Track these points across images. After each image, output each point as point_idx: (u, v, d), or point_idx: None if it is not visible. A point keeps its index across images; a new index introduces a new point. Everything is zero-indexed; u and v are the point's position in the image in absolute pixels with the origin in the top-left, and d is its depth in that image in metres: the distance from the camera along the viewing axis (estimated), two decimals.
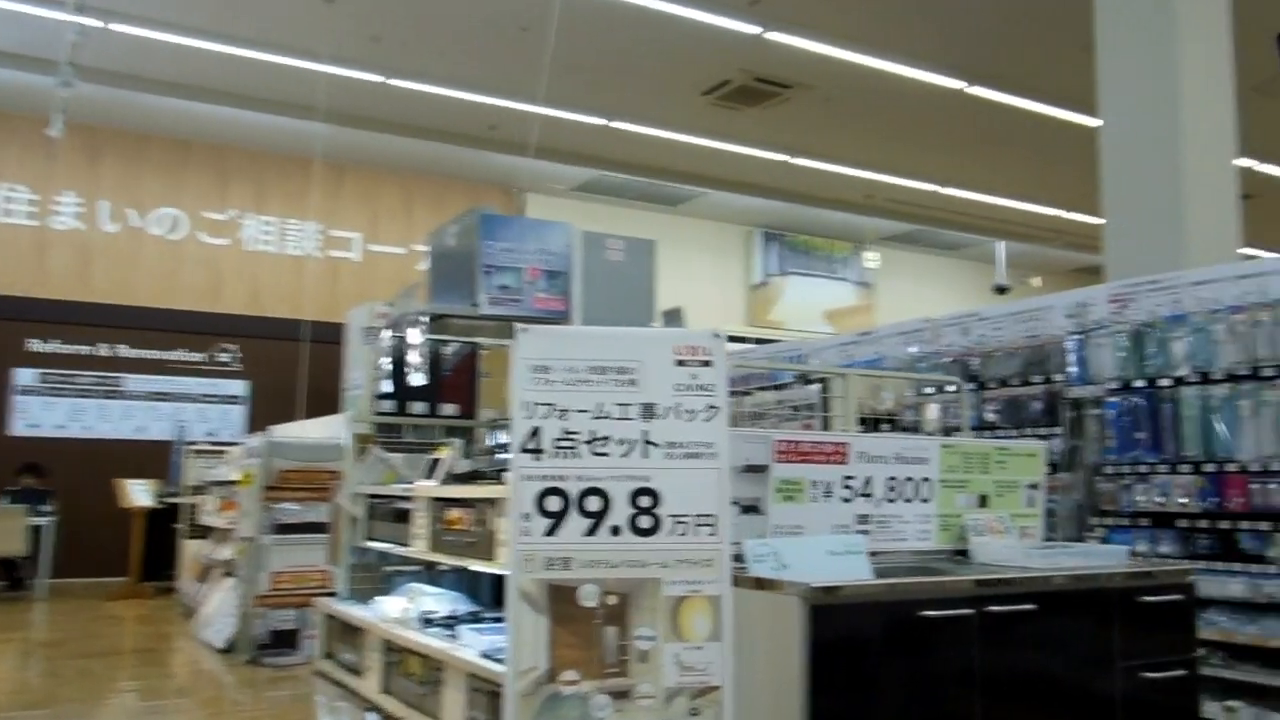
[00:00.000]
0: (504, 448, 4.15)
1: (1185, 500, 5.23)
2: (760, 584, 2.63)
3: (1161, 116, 6.57)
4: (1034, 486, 3.52)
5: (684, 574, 2.53)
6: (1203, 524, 5.19)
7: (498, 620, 3.70)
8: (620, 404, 2.58)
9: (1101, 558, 3.13)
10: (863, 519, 3.17)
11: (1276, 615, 4.87)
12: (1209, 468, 5.17)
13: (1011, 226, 16.47)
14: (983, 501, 3.39)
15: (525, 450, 2.60)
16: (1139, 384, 5.50)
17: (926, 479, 3.29)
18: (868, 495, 3.17)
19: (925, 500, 3.28)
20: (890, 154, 13.54)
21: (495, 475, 3.81)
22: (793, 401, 5.44)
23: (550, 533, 2.56)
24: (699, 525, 2.56)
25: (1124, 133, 6.81)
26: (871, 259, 17.75)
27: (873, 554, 3.00)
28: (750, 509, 2.99)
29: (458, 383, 5.69)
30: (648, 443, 2.60)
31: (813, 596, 2.46)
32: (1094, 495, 5.67)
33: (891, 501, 3.21)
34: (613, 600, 2.53)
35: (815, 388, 5.41)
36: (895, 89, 11.13)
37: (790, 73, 10.98)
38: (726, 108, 11.99)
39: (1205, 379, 5.23)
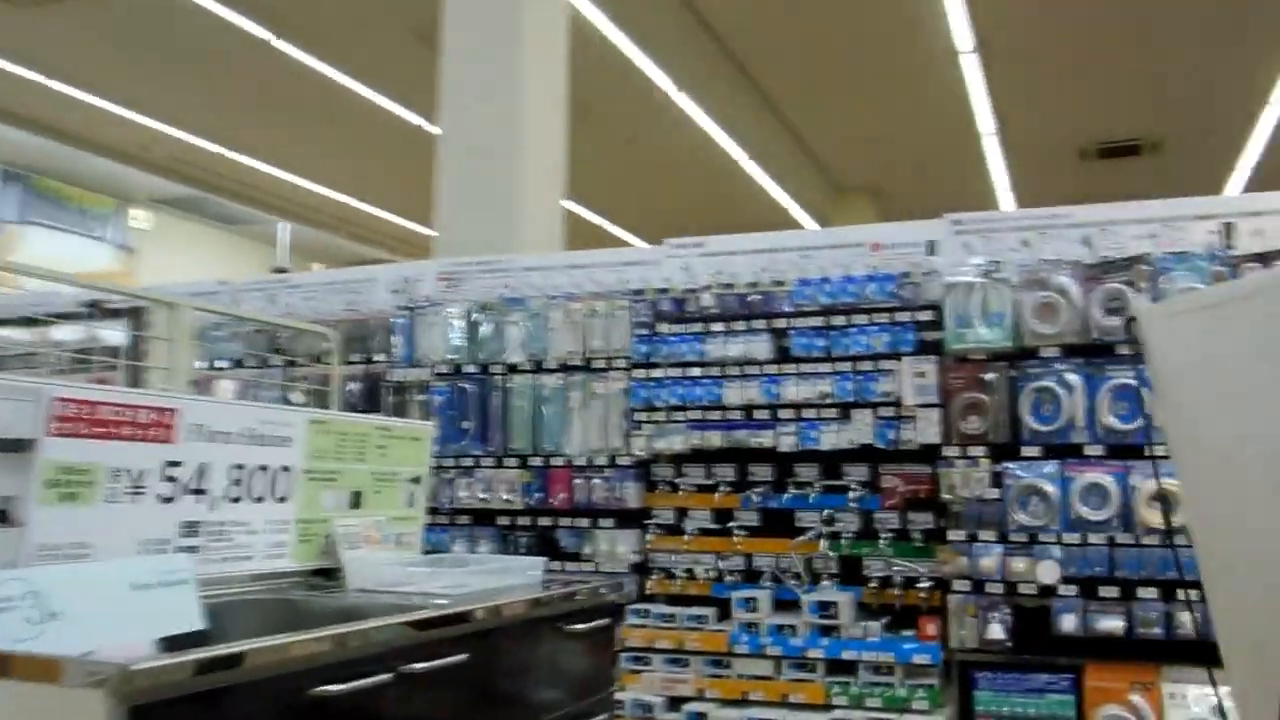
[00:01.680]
0: None
1: (509, 497, 4.88)
2: (8, 665, 1.39)
3: (503, 125, 6.38)
4: (417, 480, 2.72)
5: None
6: (524, 521, 4.90)
7: None
8: None
9: (513, 575, 2.41)
10: (191, 528, 2.06)
11: None
12: (536, 461, 4.89)
13: (299, 208, 15.66)
14: (356, 501, 2.49)
15: None
16: (470, 369, 5.06)
17: (286, 468, 2.29)
18: (201, 492, 2.07)
19: (283, 500, 2.28)
20: (180, 101, 11.81)
21: None
22: (79, 344, 3.88)
23: None
24: None
25: (463, 133, 6.50)
26: (139, 220, 15.54)
27: (204, 582, 1.93)
28: None
29: None
30: None
31: (131, 687, 1.29)
32: None
33: (236, 501, 2.15)
34: None
35: (117, 331, 3.94)
36: (191, 20, 9.60)
37: None
38: None
39: (539, 367, 4.95)
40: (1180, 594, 3.76)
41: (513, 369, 4.99)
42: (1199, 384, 2.18)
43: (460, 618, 1.92)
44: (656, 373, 4.67)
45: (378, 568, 2.27)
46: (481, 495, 4.92)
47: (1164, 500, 2.39)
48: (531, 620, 2.12)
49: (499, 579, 2.26)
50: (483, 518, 4.97)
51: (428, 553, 2.81)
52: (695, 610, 4.38)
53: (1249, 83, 10.69)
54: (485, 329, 5.10)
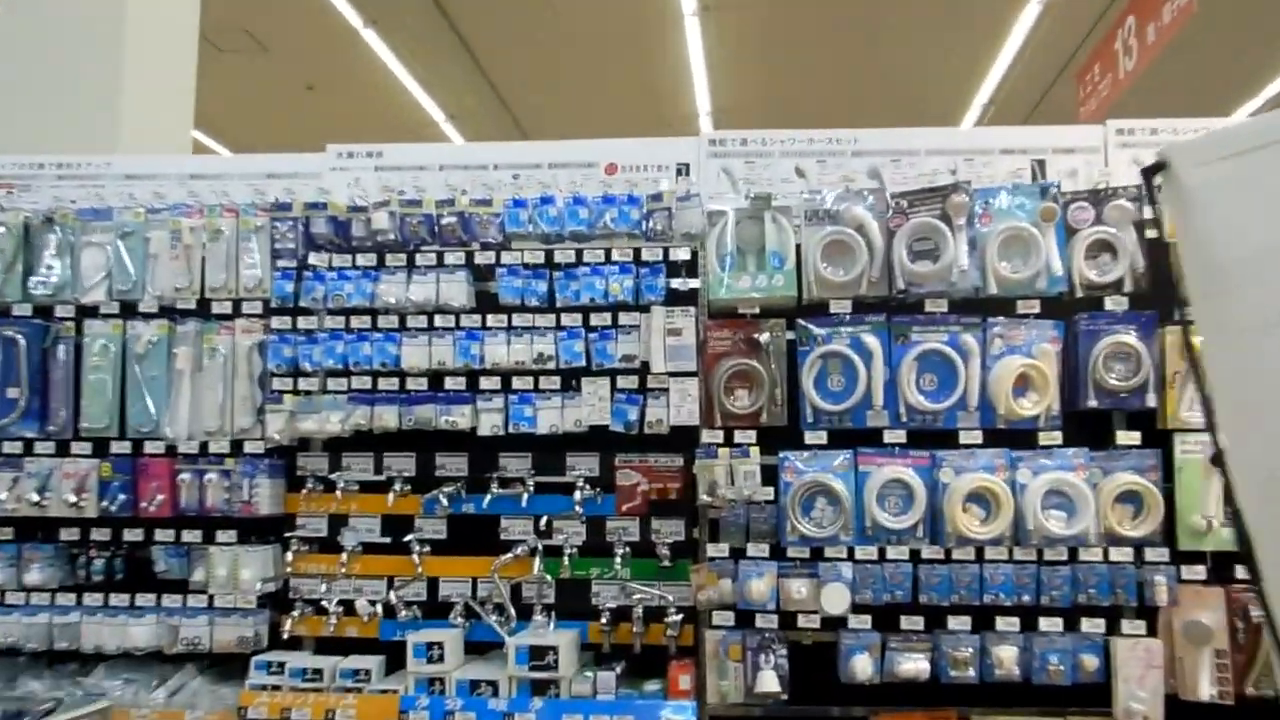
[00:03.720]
0: None
1: (78, 498, 3.32)
2: None
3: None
4: None
5: None
6: (100, 535, 3.36)
7: None
8: None
9: None
10: None
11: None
12: (121, 448, 3.35)
13: None
14: None
15: None
16: (22, 311, 3.44)
17: None
18: None
19: None
20: None
21: None
22: None
23: None
24: None
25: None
26: None
27: None
28: None
29: None
30: None
31: None
32: None
33: None
34: None
35: None
36: None
37: None
38: None
39: (130, 311, 3.41)
40: (1001, 622, 2.90)
41: (89, 312, 3.42)
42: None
43: None
44: (306, 322, 3.29)
45: None
46: (34, 497, 3.33)
47: (1220, 464, 1.37)
48: None
49: None
50: (36, 530, 3.39)
51: None
52: (354, 662, 3.07)
53: (954, 90, 10.80)
54: (50, 254, 3.48)
